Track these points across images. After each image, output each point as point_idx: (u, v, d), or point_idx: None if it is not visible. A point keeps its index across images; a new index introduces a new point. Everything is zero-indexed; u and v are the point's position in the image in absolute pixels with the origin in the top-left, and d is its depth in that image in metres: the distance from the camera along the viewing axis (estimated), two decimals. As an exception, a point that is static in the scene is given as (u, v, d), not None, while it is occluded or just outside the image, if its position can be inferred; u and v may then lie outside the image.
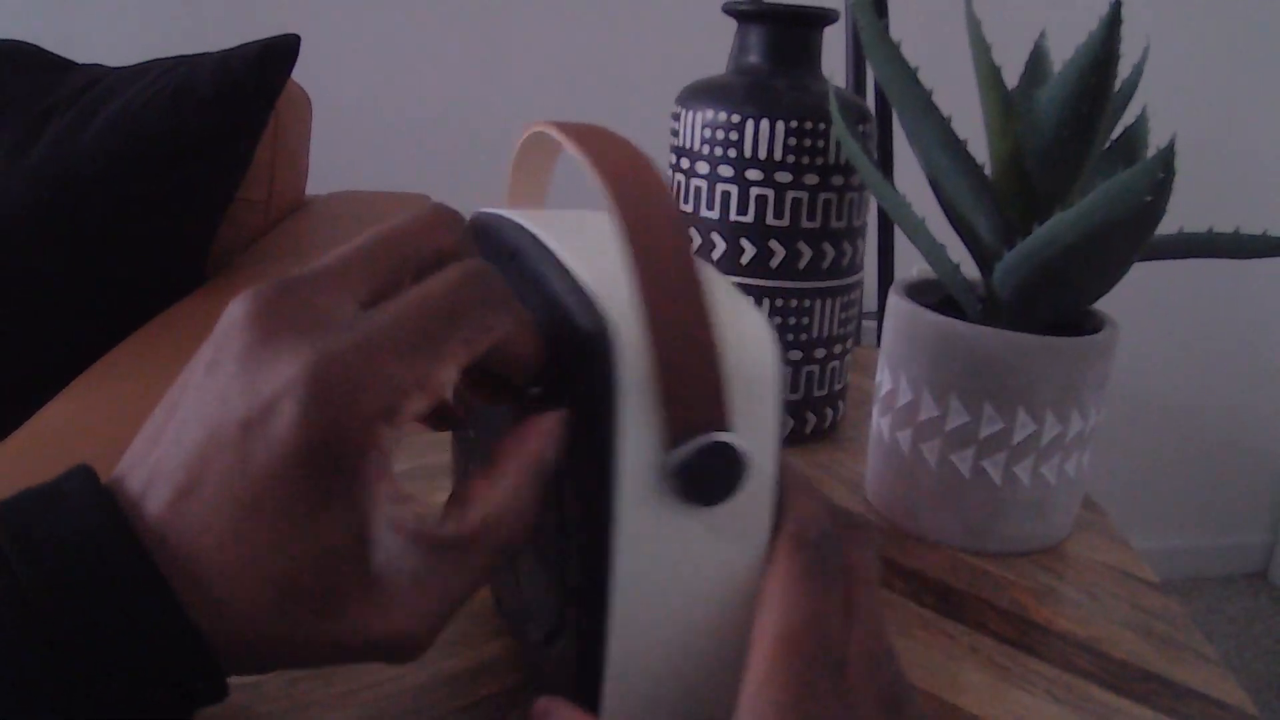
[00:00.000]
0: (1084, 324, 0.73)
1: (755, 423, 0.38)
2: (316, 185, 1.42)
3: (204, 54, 1.18)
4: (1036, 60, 0.73)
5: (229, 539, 0.35)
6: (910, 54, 0.69)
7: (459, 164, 1.74)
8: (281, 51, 1.14)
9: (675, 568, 0.40)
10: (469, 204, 1.52)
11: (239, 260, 1.20)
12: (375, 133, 1.86)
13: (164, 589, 0.34)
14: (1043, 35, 0.74)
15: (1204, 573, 2.68)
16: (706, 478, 0.38)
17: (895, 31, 1.33)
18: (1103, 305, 0.67)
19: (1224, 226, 0.64)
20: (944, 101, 0.69)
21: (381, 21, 1.90)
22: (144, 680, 0.34)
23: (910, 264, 1.81)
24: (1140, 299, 2.27)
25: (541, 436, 0.37)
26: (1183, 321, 2.42)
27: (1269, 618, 2.50)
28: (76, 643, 0.33)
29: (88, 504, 0.35)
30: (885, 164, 1.17)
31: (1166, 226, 0.64)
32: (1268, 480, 2.67)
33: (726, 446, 0.37)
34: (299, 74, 1.26)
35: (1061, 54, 0.66)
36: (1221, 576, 2.67)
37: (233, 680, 0.50)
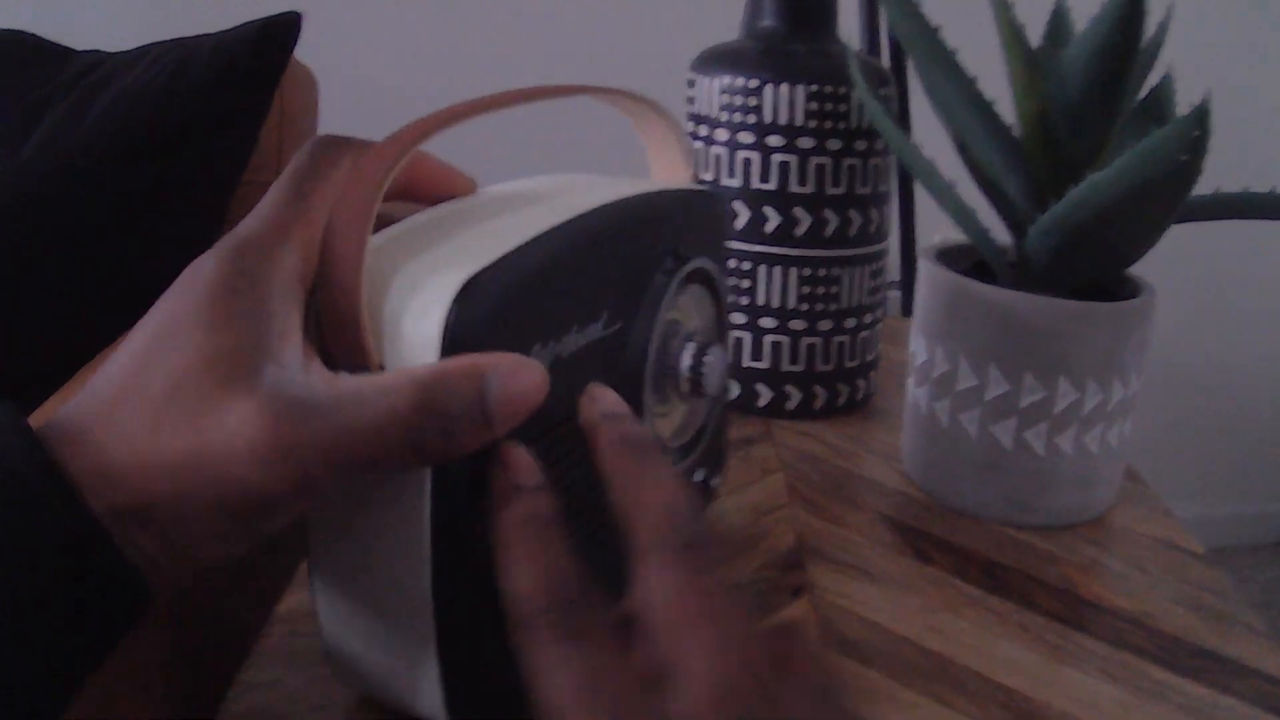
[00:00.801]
0: (1119, 289, 0.71)
1: None
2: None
3: (201, 36, 1.16)
4: (1058, 18, 0.72)
5: (132, 365, 0.38)
6: (929, 14, 0.67)
7: (470, 139, 1.72)
8: (282, 30, 1.11)
9: (344, 515, 0.45)
10: (482, 179, 1.51)
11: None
12: (383, 110, 1.84)
13: (36, 448, 0.36)
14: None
15: (1233, 541, 2.66)
16: None
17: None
18: (1137, 268, 0.66)
19: (1258, 187, 0.63)
20: (964, 63, 0.67)
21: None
22: (31, 559, 0.35)
23: (931, 231, 1.79)
24: (1168, 262, 2.25)
25: (468, 368, 0.38)
26: (1213, 285, 2.40)
27: (1299, 585, 2.49)
28: None
29: None
30: (902, 128, 1.15)
31: (1200, 188, 0.63)
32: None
33: None
34: (305, 54, 1.23)
35: (1082, 12, 0.64)
36: (1251, 545, 2.65)
37: (256, 679, 0.49)
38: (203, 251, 0.99)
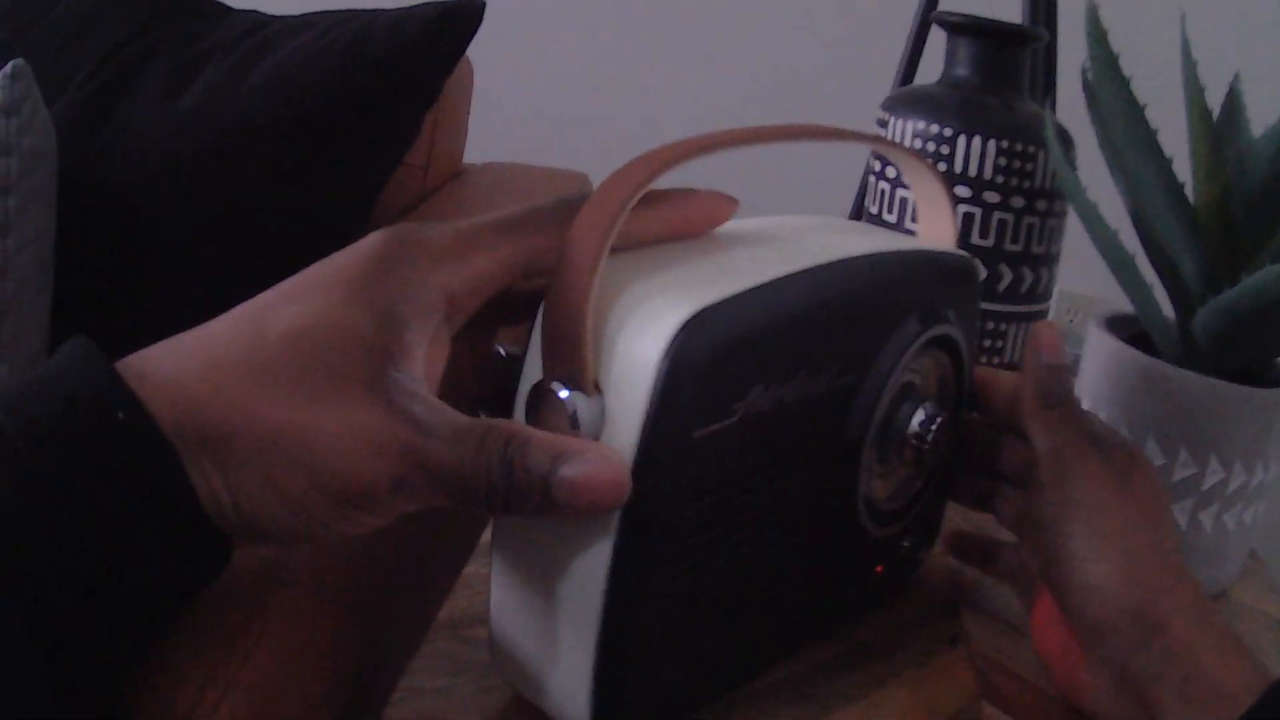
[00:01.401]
0: (1265, 374, 0.72)
1: (623, 395, 0.42)
2: (468, 154, 1.42)
3: (378, 10, 1.16)
4: (1232, 103, 0.72)
5: (254, 306, 0.40)
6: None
7: (618, 152, 1.74)
8: (463, 16, 1.11)
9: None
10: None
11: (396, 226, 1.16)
12: (533, 106, 1.83)
13: (121, 387, 0.37)
14: (1237, 78, 0.73)
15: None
16: (532, 417, 0.43)
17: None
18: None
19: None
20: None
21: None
22: (106, 481, 0.36)
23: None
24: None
25: (553, 446, 0.40)
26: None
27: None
28: (56, 479, 0.35)
29: (72, 355, 0.38)
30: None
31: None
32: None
33: (549, 391, 0.42)
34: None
35: (1253, 96, 0.67)
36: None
37: (422, 685, 0.49)
38: (349, 230, 0.98)
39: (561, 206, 0.44)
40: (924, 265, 0.57)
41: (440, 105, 1.23)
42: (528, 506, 0.39)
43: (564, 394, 0.42)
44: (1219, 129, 0.71)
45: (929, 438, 0.56)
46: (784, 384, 0.47)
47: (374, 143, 1.13)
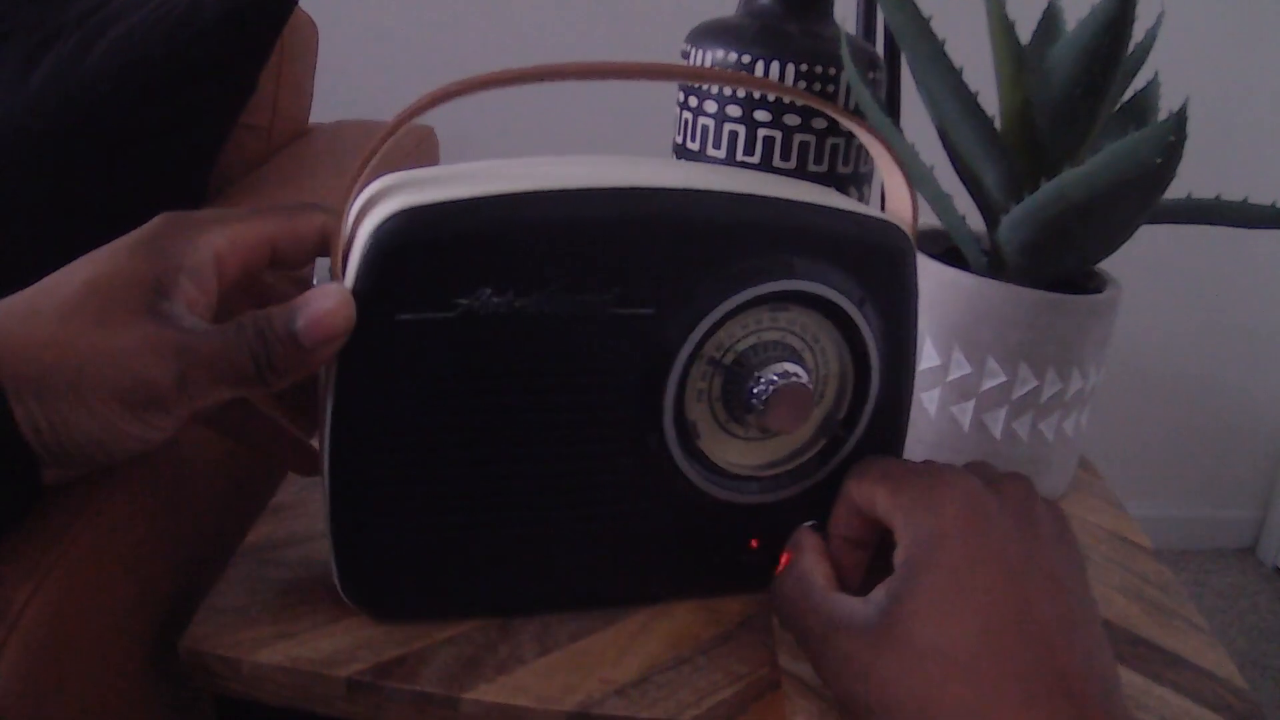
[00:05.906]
0: (1088, 284, 0.72)
1: (349, 276, 0.48)
2: (321, 114, 1.42)
3: (211, -21, 1.16)
4: (1049, 17, 0.73)
5: (60, 274, 0.47)
6: (925, 3, 0.68)
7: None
8: None
9: None
10: (471, 137, 1.51)
11: (238, 185, 1.19)
12: (382, 62, 1.83)
13: None
14: (1056, -8, 0.73)
15: (1192, 545, 2.64)
16: None
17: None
18: (1109, 267, 0.67)
19: (1233, 196, 0.64)
20: (955, 53, 0.68)
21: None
22: None
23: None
24: (1149, 264, 2.25)
25: (287, 306, 0.47)
26: (1188, 290, 2.37)
27: (1254, 594, 2.48)
28: None
29: None
30: (893, 113, 1.16)
31: (1175, 192, 0.65)
32: (1261, 456, 2.63)
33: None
34: (307, 1, 1.24)
35: (1075, 13, 0.65)
36: (1209, 550, 2.64)
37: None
38: (192, 191, 1.06)
39: (300, 207, 0.52)
40: (773, 213, 0.53)
41: (283, 66, 1.26)
42: (289, 363, 0.46)
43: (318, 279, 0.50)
44: (1037, 40, 0.72)
45: (757, 399, 0.52)
46: (528, 293, 0.48)
47: (206, 106, 1.14)
